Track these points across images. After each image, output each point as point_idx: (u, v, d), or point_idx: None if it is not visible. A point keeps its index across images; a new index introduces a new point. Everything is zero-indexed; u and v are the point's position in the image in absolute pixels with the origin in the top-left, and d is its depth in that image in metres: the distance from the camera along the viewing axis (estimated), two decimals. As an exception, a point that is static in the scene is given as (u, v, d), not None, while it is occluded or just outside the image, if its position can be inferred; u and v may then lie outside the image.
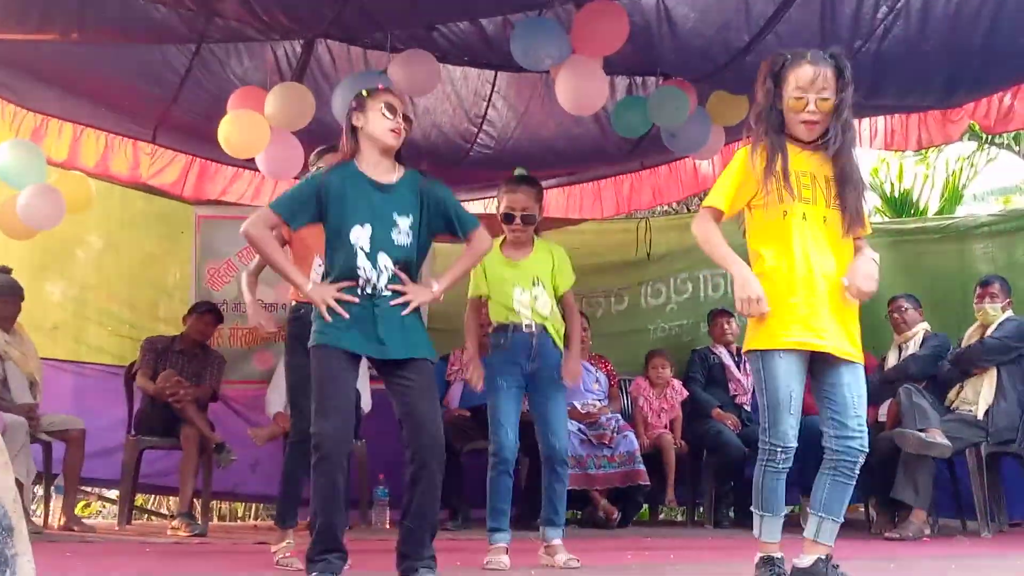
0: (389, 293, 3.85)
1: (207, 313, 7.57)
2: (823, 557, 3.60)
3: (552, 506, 4.96)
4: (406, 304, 3.86)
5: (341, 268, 3.84)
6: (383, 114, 3.91)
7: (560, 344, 5.02)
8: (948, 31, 5.99)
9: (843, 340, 3.61)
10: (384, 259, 3.84)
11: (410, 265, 3.91)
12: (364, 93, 3.99)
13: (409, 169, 4.02)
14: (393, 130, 3.92)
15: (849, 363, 3.62)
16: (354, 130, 3.96)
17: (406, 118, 3.98)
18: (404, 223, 3.90)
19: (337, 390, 3.82)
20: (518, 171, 5.22)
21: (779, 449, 3.58)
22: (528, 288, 4.95)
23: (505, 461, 4.85)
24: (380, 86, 4.13)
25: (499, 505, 4.88)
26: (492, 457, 4.87)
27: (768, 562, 3.62)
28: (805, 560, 3.62)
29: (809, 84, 3.58)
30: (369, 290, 3.82)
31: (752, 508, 3.67)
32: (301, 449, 4.43)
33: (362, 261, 3.82)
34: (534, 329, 4.91)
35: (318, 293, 3.83)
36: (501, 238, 5.08)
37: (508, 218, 4.99)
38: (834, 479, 3.61)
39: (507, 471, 4.88)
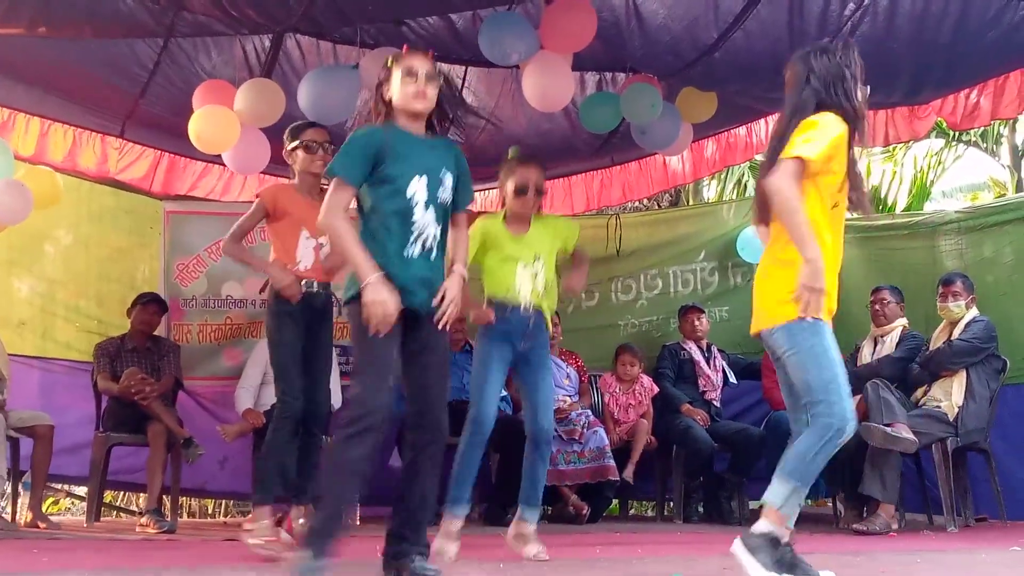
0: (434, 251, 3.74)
1: (151, 303, 7.48)
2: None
3: (533, 486, 4.95)
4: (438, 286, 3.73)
5: (398, 223, 3.66)
6: (403, 79, 3.71)
7: (550, 324, 5.08)
8: (915, 28, 6.03)
9: None
10: (433, 213, 3.71)
11: (444, 230, 3.81)
12: (388, 62, 3.79)
13: (440, 136, 3.90)
14: (416, 94, 3.72)
15: None
16: (389, 102, 3.77)
17: (430, 78, 3.76)
18: (448, 181, 3.78)
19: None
20: (513, 150, 5.20)
21: (845, 429, 3.49)
22: (530, 264, 4.97)
23: (483, 432, 4.77)
24: (405, 47, 3.85)
25: (465, 472, 4.77)
26: (471, 424, 4.76)
27: None
28: None
29: None
30: (422, 247, 3.69)
31: (795, 481, 3.53)
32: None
33: (419, 213, 3.67)
34: (531, 311, 4.93)
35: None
36: (502, 213, 5.08)
37: (522, 191, 4.96)
38: None
39: (482, 443, 4.80)
